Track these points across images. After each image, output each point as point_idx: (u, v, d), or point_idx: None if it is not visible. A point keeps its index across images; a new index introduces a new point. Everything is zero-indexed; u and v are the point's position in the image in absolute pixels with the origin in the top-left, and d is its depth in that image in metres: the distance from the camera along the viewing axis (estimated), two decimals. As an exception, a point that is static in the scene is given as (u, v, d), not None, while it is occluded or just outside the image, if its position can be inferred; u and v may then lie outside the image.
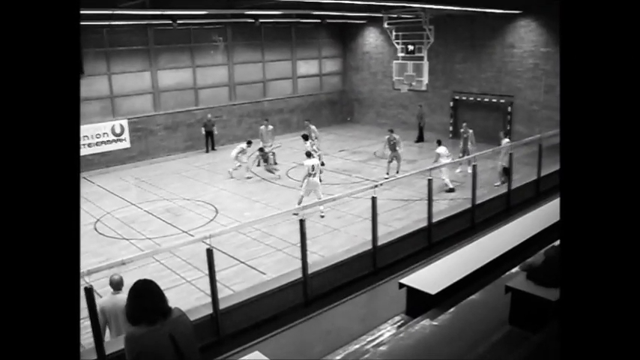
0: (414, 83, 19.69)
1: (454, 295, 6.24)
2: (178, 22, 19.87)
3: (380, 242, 8.37)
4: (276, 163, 18.84)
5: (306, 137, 17.63)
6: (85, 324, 5.50)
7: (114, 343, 5.84)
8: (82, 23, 16.01)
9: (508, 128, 20.73)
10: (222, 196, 15.60)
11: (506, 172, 12.23)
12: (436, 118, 23.57)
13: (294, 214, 12.76)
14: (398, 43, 20.52)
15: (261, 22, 22.52)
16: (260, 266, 10.36)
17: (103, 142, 19.98)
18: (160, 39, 21.14)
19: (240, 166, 17.44)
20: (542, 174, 11.81)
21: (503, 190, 11.32)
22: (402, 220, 12.24)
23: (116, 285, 6.23)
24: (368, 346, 5.74)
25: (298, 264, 7.59)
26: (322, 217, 13.15)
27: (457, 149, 17.31)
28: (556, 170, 12.32)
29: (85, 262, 5.50)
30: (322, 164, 17.82)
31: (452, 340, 5.38)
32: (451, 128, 22.83)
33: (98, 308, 5.94)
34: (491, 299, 5.97)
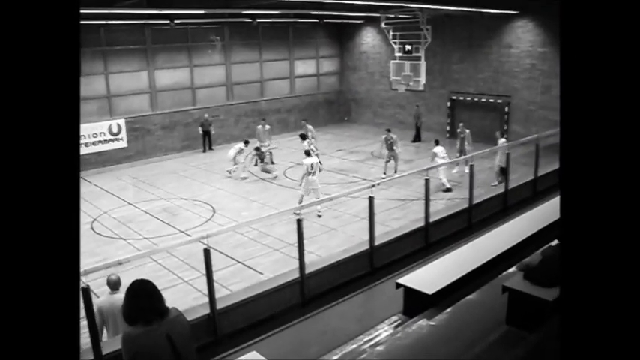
0: (411, 83, 19.71)
1: (451, 294, 6.25)
2: (176, 21, 19.85)
3: (377, 242, 8.38)
4: (273, 163, 18.85)
5: (303, 137, 17.64)
6: (82, 324, 5.49)
7: (111, 343, 5.83)
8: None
9: (505, 128, 20.76)
10: (220, 196, 15.59)
11: (504, 172, 12.24)
12: (433, 118, 23.59)
13: (295, 213, 12.80)
14: (395, 43, 20.54)
15: (259, 22, 22.50)
16: (257, 266, 10.35)
17: (100, 142, 19.95)
18: (157, 38, 21.11)
19: (237, 166, 17.42)
20: (539, 174, 11.84)
21: (501, 190, 11.34)
22: (399, 219, 12.24)
23: (114, 285, 6.22)
24: (365, 346, 5.75)
25: (295, 264, 7.59)
26: (319, 216, 13.15)
27: (454, 149, 17.31)
28: (553, 170, 12.35)
29: (82, 262, 5.48)
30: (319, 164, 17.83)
31: (449, 340, 5.39)
32: (448, 128, 22.85)
33: (96, 308, 5.94)
34: (488, 299, 5.98)
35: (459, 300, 6.08)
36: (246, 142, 17.81)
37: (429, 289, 6.15)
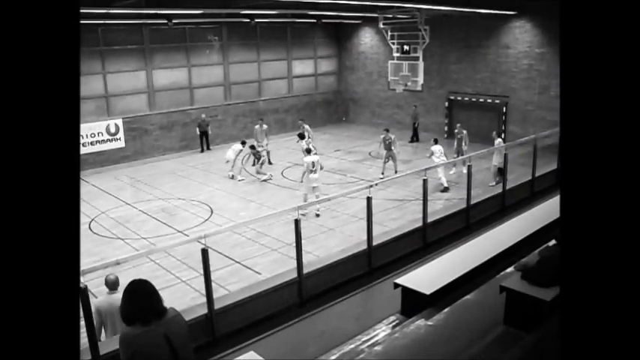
0: (409, 83, 19.73)
1: (449, 295, 6.26)
2: (174, 21, 19.83)
3: (375, 242, 8.39)
4: (271, 163, 18.85)
5: (302, 136, 17.66)
6: (80, 324, 5.49)
7: (109, 343, 5.83)
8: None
9: (503, 128, 20.79)
10: (217, 196, 15.58)
11: (501, 173, 12.27)
12: (431, 119, 23.62)
13: (302, 214, 12.83)
14: (393, 43, 20.57)
15: (257, 22, 22.50)
16: (255, 266, 10.35)
17: (97, 142, 19.92)
18: (155, 38, 21.09)
19: (234, 166, 17.40)
20: (537, 174, 11.87)
21: (498, 190, 11.36)
22: (397, 220, 12.25)
23: (112, 285, 6.21)
24: (363, 346, 5.75)
25: (293, 264, 7.60)
26: (318, 215, 13.15)
27: (452, 150, 17.33)
28: (551, 170, 12.39)
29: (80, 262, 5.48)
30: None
31: (447, 340, 5.40)
32: (446, 129, 22.87)
33: (94, 308, 5.94)
34: (486, 299, 6.00)
35: (456, 300, 6.09)
36: (243, 143, 17.78)
37: (427, 289, 6.16)
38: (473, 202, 10.24)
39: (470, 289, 6.36)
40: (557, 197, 9.53)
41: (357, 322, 6.58)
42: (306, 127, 19.27)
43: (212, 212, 14.02)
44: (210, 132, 21.94)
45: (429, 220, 9.30)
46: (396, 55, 20.58)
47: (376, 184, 9.01)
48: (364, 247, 8.33)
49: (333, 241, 11.49)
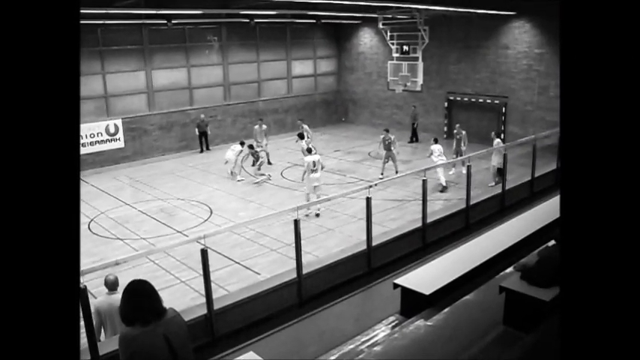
0: (408, 84, 19.73)
1: (448, 295, 6.26)
2: (173, 21, 19.84)
3: (375, 242, 8.39)
4: (270, 164, 18.85)
5: (302, 136, 17.69)
6: (80, 324, 5.48)
7: (108, 343, 5.83)
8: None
9: (502, 129, 20.79)
10: (217, 196, 15.58)
11: (501, 173, 12.27)
12: (430, 119, 23.62)
13: (306, 215, 12.87)
14: (393, 44, 20.57)
15: (256, 22, 22.50)
16: (254, 266, 10.35)
17: (97, 142, 19.91)
18: (154, 38, 21.08)
19: (235, 166, 17.39)
20: (537, 174, 11.87)
21: (498, 190, 11.36)
22: (396, 220, 12.25)
23: (111, 285, 6.21)
24: (362, 347, 5.75)
25: (293, 264, 7.60)
26: (318, 215, 13.15)
27: (451, 150, 17.34)
28: (550, 171, 12.40)
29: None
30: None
31: (446, 340, 5.40)
32: (445, 129, 22.87)
33: (93, 309, 5.93)
34: (486, 299, 6.00)
35: (456, 300, 6.10)
36: (242, 143, 17.75)
37: (427, 290, 6.16)
38: (472, 202, 10.24)
39: (469, 289, 6.36)
40: (556, 197, 9.54)
41: (356, 323, 6.58)
42: (305, 126, 19.28)
43: (211, 212, 14.01)
44: (209, 132, 21.93)
45: (429, 220, 9.30)
46: (395, 55, 20.58)
47: (375, 185, 9.01)
48: (364, 247, 8.32)
49: (333, 241, 11.48)
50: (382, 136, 17.09)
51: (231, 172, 17.35)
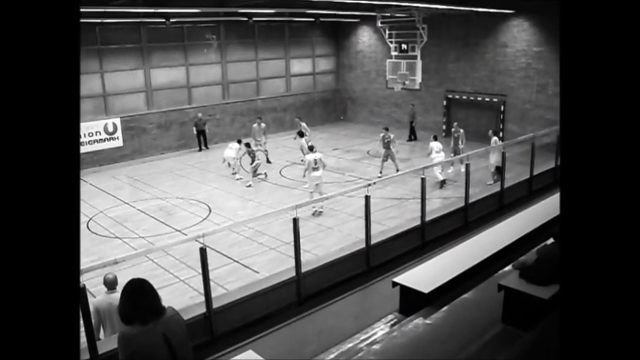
0: (407, 82, 19.73)
1: (447, 293, 6.26)
2: (171, 20, 19.81)
3: (373, 241, 8.38)
4: (269, 162, 18.84)
5: (301, 134, 17.70)
6: (79, 323, 5.47)
7: (107, 342, 5.82)
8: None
9: (501, 127, 20.81)
10: (216, 195, 15.57)
11: (499, 171, 12.28)
12: (429, 117, 23.63)
13: (312, 214, 12.88)
14: (391, 42, 20.54)
15: (255, 21, 22.49)
16: (253, 265, 10.35)
17: (95, 141, 19.89)
18: (152, 37, 21.06)
19: (232, 167, 17.35)
20: (535, 173, 11.87)
21: (496, 188, 11.36)
22: (395, 218, 12.26)
23: (110, 284, 6.20)
24: (361, 345, 5.76)
25: (291, 263, 7.59)
26: (321, 212, 13.15)
27: (449, 148, 17.34)
28: (549, 169, 12.40)
29: (78, 261, 5.47)
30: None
31: (445, 339, 5.40)
32: (444, 127, 22.88)
33: (92, 308, 5.93)
34: (484, 298, 6.00)
35: (455, 299, 6.10)
36: (239, 141, 17.69)
37: (425, 288, 6.16)
38: (471, 200, 10.24)
39: (468, 287, 6.36)
40: (555, 196, 9.55)
41: (355, 321, 6.58)
42: (303, 124, 19.27)
43: (210, 211, 14.01)
44: (207, 131, 21.92)
45: (427, 218, 9.30)
46: (394, 53, 20.55)
47: (374, 183, 9.01)
48: (362, 245, 8.32)
49: (332, 239, 11.49)
50: (382, 135, 17.08)
51: (232, 169, 17.29)
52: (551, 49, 18.91)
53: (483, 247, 7.39)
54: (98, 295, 6.52)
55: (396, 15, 19.53)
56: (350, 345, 5.81)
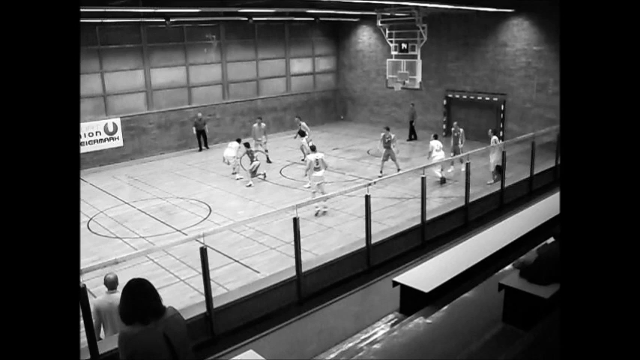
0: (407, 81, 19.71)
1: (447, 293, 6.26)
2: (171, 20, 19.80)
3: (374, 240, 8.39)
4: (270, 162, 18.83)
5: (302, 133, 17.68)
6: (79, 323, 5.47)
7: (108, 342, 5.82)
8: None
9: (501, 126, 20.80)
10: (216, 195, 15.57)
11: (499, 170, 12.28)
12: (429, 117, 23.62)
13: (315, 214, 12.86)
14: (391, 42, 20.51)
15: (255, 21, 22.48)
16: (254, 265, 10.35)
17: (95, 141, 19.89)
18: (152, 37, 21.05)
19: (233, 167, 17.32)
20: (535, 172, 11.87)
21: (496, 188, 11.36)
22: (395, 218, 12.26)
23: (111, 284, 6.20)
24: (362, 345, 5.75)
25: (292, 262, 7.59)
26: (325, 212, 13.13)
27: (449, 148, 17.33)
28: (549, 168, 12.40)
29: (78, 262, 5.46)
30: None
31: (445, 338, 5.40)
32: (444, 127, 22.87)
33: (93, 308, 5.93)
34: (485, 297, 6.00)
35: (455, 298, 6.10)
36: (239, 140, 17.66)
37: (426, 288, 6.16)
38: (471, 200, 10.24)
39: (468, 287, 6.37)
40: (555, 195, 9.55)
41: (356, 321, 6.58)
42: (303, 124, 19.27)
43: (210, 211, 14.01)
44: (207, 131, 21.91)
45: (428, 218, 9.30)
46: (394, 53, 20.53)
47: (374, 183, 9.01)
48: (363, 245, 8.32)
49: (332, 239, 11.49)
50: (382, 134, 17.08)
51: (233, 168, 17.27)
52: (551, 48, 18.91)
53: (484, 247, 7.39)
54: (99, 295, 6.52)
55: (396, 14, 19.51)
56: (350, 344, 5.81)
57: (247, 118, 23.66)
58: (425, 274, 6.59)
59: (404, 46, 20.24)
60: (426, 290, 6.12)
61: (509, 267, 6.49)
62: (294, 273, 7.40)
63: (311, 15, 22.90)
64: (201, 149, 21.88)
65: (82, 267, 5.36)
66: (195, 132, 21.68)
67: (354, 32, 26.60)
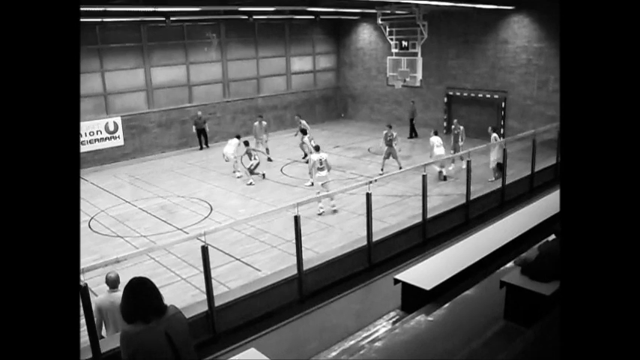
0: (407, 79, 19.73)
1: (449, 290, 6.26)
2: (172, 18, 19.78)
3: (375, 238, 8.40)
4: (270, 160, 18.83)
5: (304, 131, 17.66)
6: (80, 322, 5.48)
7: (109, 341, 5.83)
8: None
9: (502, 124, 20.79)
10: (217, 193, 15.58)
11: (500, 168, 12.28)
12: (430, 114, 23.60)
13: (320, 214, 12.85)
14: (392, 39, 20.54)
15: (255, 19, 22.46)
16: (255, 263, 10.35)
17: (96, 140, 19.90)
18: (153, 36, 21.05)
19: (233, 165, 17.31)
20: (536, 169, 11.87)
21: (498, 185, 11.36)
22: (396, 215, 12.25)
23: (112, 283, 6.21)
24: (363, 342, 5.76)
25: (293, 260, 7.60)
26: (335, 210, 13.10)
27: (450, 146, 17.31)
28: (550, 166, 12.40)
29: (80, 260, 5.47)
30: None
31: (447, 336, 5.41)
32: (445, 124, 22.86)
33: (95, 306, 5.94)
34: (486, 294, 6.00)
35: (456, 295, 6.10)
36: (238, 137, 17.62)
37: (427, 285, 6.16)
38: (472, 197, 10.24)
39: (470, 284, 6.37)
40: (556, 192, 9.54)
41: (357, 318, 6.58)
42: (303, 122, 19.27)
43: (211, 209, 14.02)
44: (207, 129, 21.90)
45: (429, 215, 9.30)
46: (394, 50, 20.56)
47: (375, 180, 9.01)
48: (364, 243, 8.33)
49: (333, 237, 11.49)
50: (385, 132, 17.07)
51: (233, 166, 17.26)
52: (551, 45, 18.88)
53: (485, 244, 7.39)
54: (100, 294, 6.53)
55: (397, 12, 19.51)
56: (352, 342, 5.81)
57: (248, 116, 23.65)
58: (426, 272, 6.60)
59: (404, 43, 20.27)
60: (428, 288, 6.12)
61: (510, 264, 6.49)
62: (295, 271, 7.40)
63: (311, 13, 22.87)
64: (201, 148, 21.88)
65: (83, 266, 5.37)
66: (195, 130, 21.67)
67: (354, 30, 26.58)
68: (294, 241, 7.41)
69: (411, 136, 22.41)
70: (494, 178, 14.14)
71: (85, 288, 5.41)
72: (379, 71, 25.17)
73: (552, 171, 12.33)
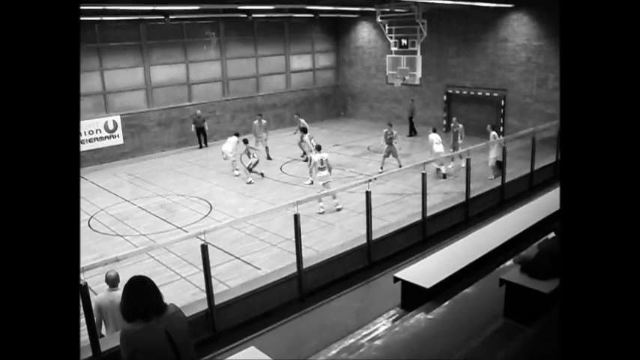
0: (407, 77, 19.69)
1: (449, 288, 6.27)
2: (171, 17, 19.77)
3: (374, 236, 8.39)
4: (270, 159, 18.82)
5: (305, 130, 17.65)
6: (80, 321, 5.48)
7: (109, 339, 5.84)
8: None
9: (501, 121, 20.79)
10: (216, 192, 15.58)
11: (500, 166, 12.27)
12: (429, 112, 23.59)
13: (321, 213, 12.85)
14: (391, 37, 20.49)
15: (254, 17, 22.44)
16: (255, 261, 10.36)
17: (96, 139, 19.89)
18: (152, 34, 21.03)
19: (234, 162, 17.30)
20: (536, 167, 11.87)
21: (497, 183, 11.36)
22: (396, 214, 12.26)
23: (112, 282, 6.21)
24: (363, 340, 5.76)
25: (293, 259, 7.60)
26: (340, 209, 13.09)
27: (449, 144, 17.31)
28: (549, 164, 12.39)
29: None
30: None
31: (447, 334, 5.41)
32: (445, 122, 22.84)
33: (94, 305, 5.94)
34: (486, 292, 6.01)
35: (456, 293, 6.11)
36: (237, 135, 17.60)
37: (427, 283, 6.17)
38: (472, 195, 10.24)
39: (469, 282, 6.38)
40: (555, 190, 9.55)
41: (357, 317, 6.59)
42: (302, 121, 19.27)
43: (211, 208, 14.02)
44: (207, 128, 21.88)
45: (428, 213, 9.30)
46: (393, 49, 20.50)
47: (375, 179, 9.01)
48: (364, 241, 8.33)
49: (333, 235, 11.50)
50: (385, 130, 17.06)
51: (232, 164, 17.24)
52: (551, 42, 18.87)
53: (484, 242, 7.40)
54: (100, 293, 6.53)
55: (396, 10, 19.48)
56: (352, 340, 5.82)
57: (247, 115, 23.64)
58: (426, 270, 6.60)
59: (404, 42, 20.22)
60: (427, 286, 6.12)
61: (510, 262, 6.50)
62: (295, 269, 7.40)
63: (310, 11, 22.85)
64: (201, 146, 21.86)
65: (83, 265, 5.37)
66: (194, 129, 21.64)
67: (353, 28, 26.56)
68: (293, 239, 7.41)
69: (410, 135, 22.41)
70: (493, 177, 14.13)
71: (85, 287, 5.41)
72: (378, 69, 25.15)
73: (552, 169, 12.33)
